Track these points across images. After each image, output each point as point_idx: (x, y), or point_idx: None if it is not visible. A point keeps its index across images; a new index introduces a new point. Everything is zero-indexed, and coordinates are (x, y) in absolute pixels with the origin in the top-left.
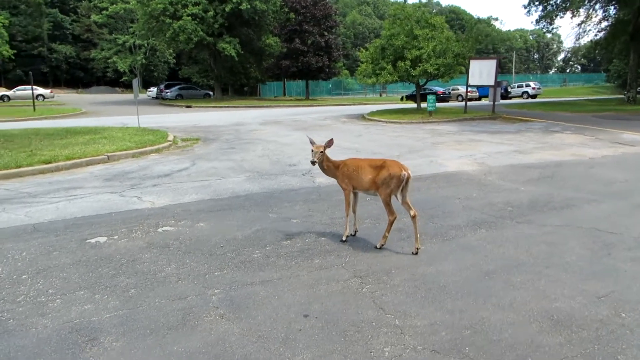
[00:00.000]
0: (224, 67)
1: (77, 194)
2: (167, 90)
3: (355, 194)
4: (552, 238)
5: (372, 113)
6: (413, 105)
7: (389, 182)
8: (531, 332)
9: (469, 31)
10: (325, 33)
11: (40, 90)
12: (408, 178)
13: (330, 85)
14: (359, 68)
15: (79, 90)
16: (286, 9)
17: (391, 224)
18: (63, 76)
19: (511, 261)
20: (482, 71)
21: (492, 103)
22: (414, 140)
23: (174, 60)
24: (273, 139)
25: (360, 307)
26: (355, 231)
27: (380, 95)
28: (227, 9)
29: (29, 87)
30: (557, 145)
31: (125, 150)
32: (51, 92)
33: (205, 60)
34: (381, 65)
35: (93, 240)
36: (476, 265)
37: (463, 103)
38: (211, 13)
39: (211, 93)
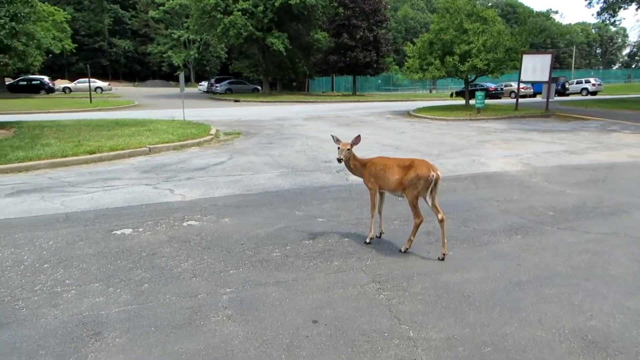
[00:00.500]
0: (272, 62)
1: (114, 184)
2: (217, 85)
3: (381, 194)
4: (596, 247)
5: (418, 110)
6: (462, 102)
7: (416, 183)
8: (560, 353)
9: (523, 24)
10: (374, 28)
11: (98, 82)
12: (437, 179)
13: (379, 81)
14: (406, 63)
15: (136, 83)
16: (335, 4)
17: (417, 227)
18: (121, 70)
19: (546, 271)
20: (535, 66)
21: (546, 100)
22: (458, 138)
23: (226, 55)
24: (313, 135)
25: (373, 315)
26: (381, 233)
27: (430, 92)
28: (276, 4)
29: (90, 79)
30: (612, 145)
31: (167, 142)
32: (109, 84)
33: (255, 55)
34: (428, 61)
35: (119, 232)
36: (506, 275)
37: (515, 99)
38: (261, 8)
39: (259, 88)
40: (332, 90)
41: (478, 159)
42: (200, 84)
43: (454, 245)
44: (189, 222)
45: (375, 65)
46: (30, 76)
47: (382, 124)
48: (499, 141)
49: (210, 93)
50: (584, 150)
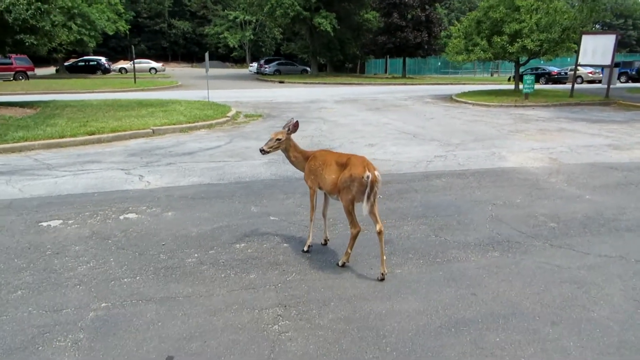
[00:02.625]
0: (320, 43)
1: (89, 168)
2: (266, 66)
3: (325, 195)
4: (588, 276)
5: (462, 94)
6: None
7: (349, 185)
8: None
9: (585, 1)
10: (427, 7)
11: (152, 63)
12: (373, 181)
13: (439, 64)
14: (449, 44)
15: (193, 64)
16: None
17: (354, 238)
18: (180, 51)
19: (505, 307)
20: (596, 49)
21: (607, 86)
22: (489, 127)
23: (281, 37)
24: (333, 119)
25: (246, 356)
26: (326, 240)
27: (492, 75)
28: None
29: (144, 60)
30: None
31: (174, 124)
32: (162, 65)
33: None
34: (474, 41)
35: (45, 224)
36: (450, 309)
37: (581, 85)
38: None
39: (308, 69)
40: (386, 72)
41: (499, 151)
42: (251, 65)
43: (408, 261)
44: (127, 215)
45: (426, 47)
46: (88, 57)
47: (414, 108)
48: (535, 131)
49: (259, 74)
50: (630, 146)
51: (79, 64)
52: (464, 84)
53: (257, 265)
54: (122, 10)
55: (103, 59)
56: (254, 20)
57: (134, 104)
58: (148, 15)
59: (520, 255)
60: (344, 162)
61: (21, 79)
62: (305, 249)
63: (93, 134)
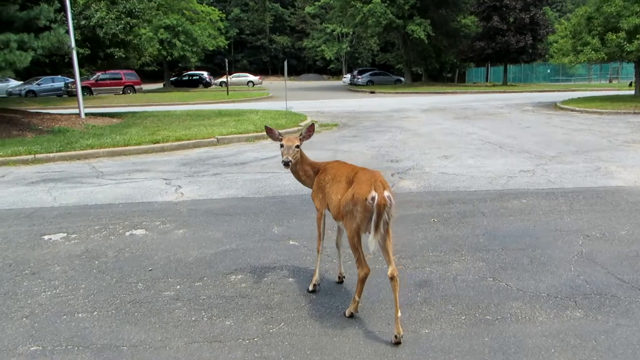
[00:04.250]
0: (414, 51)
1: (134, 177)
2: (359, 77)
3: None
4: None
5: (569, 101)
6: (634, 91)
7: (352, 209)
8: None
9: None
10: (532, 8)
11: (250, 77)
12: (381, 205)
13: (548, 71)
14: (554, 45)
15: (292, 77)
16: None
17: (361, 282)
18: (279, 65)
19: None
20: None
21: None
22: (597, 136)
23: (377, 48)
24: (412, 128)
25: None
26: (341, 277)
27: (610, 81)
28: None
29: (243, 74)
30: None
31: (240, 133)
32: (259, 78)
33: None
34: (584, 40)
35: (47, 237)
36: None
37: None
38: None
39: (402, 79)
40: (487, 81)
41: (606, 166)
42: (344, 76)
43: (444, 315)
44: (135, 232)
45: (530, 51)
46: (192, 72)
47: (509, 116)
48: None
49: (352, 85)
50: None
51: (183, 78)
52: (574, 90)
53: (242, 307)
54: (223, 27)
55: (205, 74)
56: (351, 33)
57: (212, 114)
58: (250, 32)
59: (617, 318)
60: (351, 178)
61: (129, 93)
62: (311, 288)
63: (157, 142)
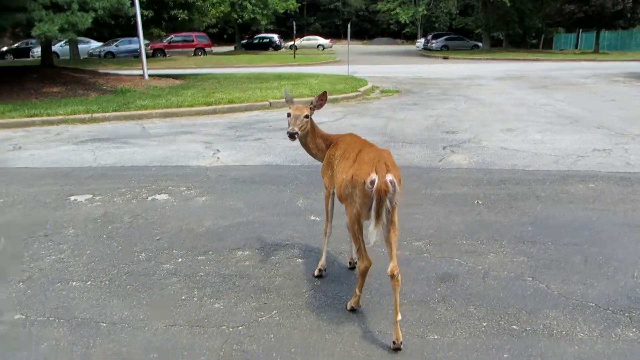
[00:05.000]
0: (494, 15)
1: (177, 139)
2: (434, 42)
3: None
4: None
5: None
6: None
7: (351, 193)
8: None
9: None
10: None
11: (320, 40)
12: (382, 191)
13: None
14: None
15: (364, 41)
16: None
17: (362, 275)
18: (353, 28)
19: None
20: None
21: None
22: None
23: (457, 11)
24: (479, 97)
25: None
26: (352, 262)
27: None
28: None
29: (313, 37)
30: None
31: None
32: (330, 42)
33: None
34: None
35: (73, 198)
36: None
37: None
38: None
39: (480, 44)
40: (577, 47)
41: None
42: (418, 41)
43: (462, 318)
44: (158, 197)
45: (629, 15)
46: (263, 35)
47: (593, 88)
48: None
49: (425, 50)
50: None
51: (254, 41)
52: None
53: (237, 289)
54: None
55: (276, 37)
56: None
57: (272, 78)
58: None
59: None
60: (356, 155)
61: (199, 55)
62: (316, 273)
63: (210, 104)
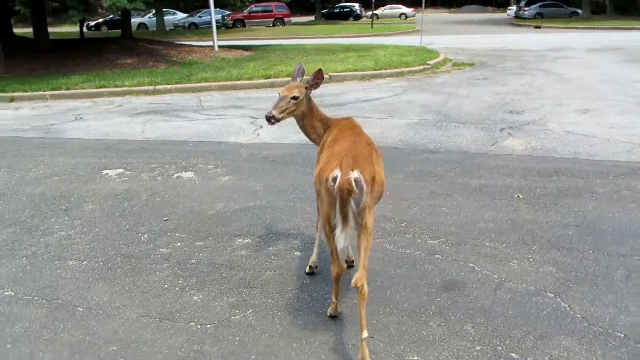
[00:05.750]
0: None
1: (225, 114)
2: (526, 9)
3: None
4: None
5: None
6: None
7: (319, 190)
8: None
9: None
10: None
11: (403, 9)
12: (345, 191)
13: None
14: None
15: (451, 9)
16: None
17: (335, 281)
18: None
19: None
20: None
21: None
22: None
23: None
24: (561, 72)
25: None
26: (349, 261)
27: None
28: None
29: (396, 5)
30: None
31: (356, 70)
32: (413, 10)
33: None
34: None
35: (106, 172)
36: None
37: None
38: None
39: (579, 11)
40: None
41: None
42: (509, 8)
43: (454, 339)
44: (183, 174)
45: None
46: (344, 4)
47: None
48: None
49: (516, 18)
50: None
51: (334, 10)
52: None
53: (222, 281)
54: None
55: (357, 6)
56: None
57: (339, 49)
58: None
59: None
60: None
61: (277, 25)
62: (307, 270)
63: (269, 77)
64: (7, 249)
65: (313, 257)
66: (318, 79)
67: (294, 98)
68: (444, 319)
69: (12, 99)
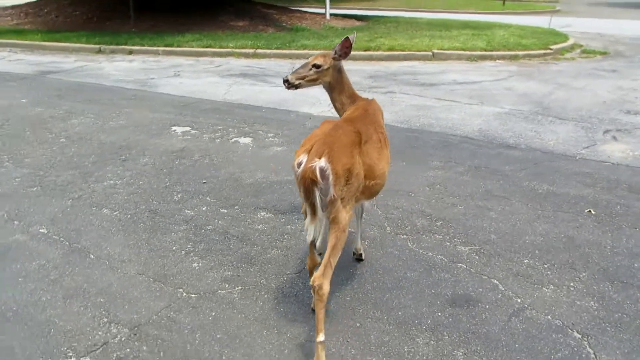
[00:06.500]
0: None
1: None
2: None
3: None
4: None
5: None
6: None
7: (295, 176)
8: None
9: None
10: None
11: None
12: (307, 180)
13: None
14: None
15: None
16: None
17: (311, 274)
18: None
19: None
20: None
21: None
22: None
23: None
24: None
25: None
26: (356, 254)
27: None
28: None
29: None
30: None
31: (464, 50)
32: None
33: None
34: None
35: (174, 129)
36: None
37: None
38: None
39: None
40: None
41: None
42: None
43: None
44: (243, 139)
45: None
46: None
47: None
48: None
49: None
50: None
51: None
52: None
53: (227, 252)
54: None
55: None
56: None
57: (456, 25)
58: None
59: None
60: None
61: None
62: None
63: (368, 50)
64: (61, 189)
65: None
66: (346, 47)
67: (316, 66)
68: (435, 338)
69: (130, 52)
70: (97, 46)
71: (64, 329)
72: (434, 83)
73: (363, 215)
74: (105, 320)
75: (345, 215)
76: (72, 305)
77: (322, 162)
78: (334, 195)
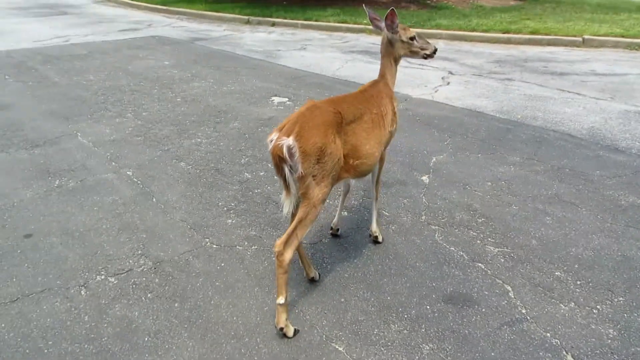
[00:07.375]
0: None
1: (427, 65)
2: None
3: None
4: None
5: None
6: None
7: None
8: None
9: None
10: None
11: None
12: (275, 156)
13: None
14: None
15: None
16: None
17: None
18: None
19: None
20: None
21: None
22: None
23: None
24: None
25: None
26: (372, 235)
27: None
28: None
29: None
30: None
31: (623, 37)
32: None
33: None
34: None
35: (272, 99)
36: None
37: None
38: None
39: None
40: None
41: None
42: None
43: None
44: None
45: None
46: None
47: None
48: None
49: None
50: None
51: None
52: None
53: (263, 215)
54: None
55: None
56: None
57: (628, 8)
58: None
59: None
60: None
61: None
62: (330, 231)
63: (507, 32)
64: (157, 141)
65: (335, 220)
66: (391, 20)
67: (412, 39)
68: (410, 328)
69: (273, 24)
70: (246, 17)
71: (107, 253)
72: (566, 72)
73: (348, 195)
74: (140, 252)
75: (317, 191)
76: (121, 235)
77: (289, 141)
78: (301, 172)
